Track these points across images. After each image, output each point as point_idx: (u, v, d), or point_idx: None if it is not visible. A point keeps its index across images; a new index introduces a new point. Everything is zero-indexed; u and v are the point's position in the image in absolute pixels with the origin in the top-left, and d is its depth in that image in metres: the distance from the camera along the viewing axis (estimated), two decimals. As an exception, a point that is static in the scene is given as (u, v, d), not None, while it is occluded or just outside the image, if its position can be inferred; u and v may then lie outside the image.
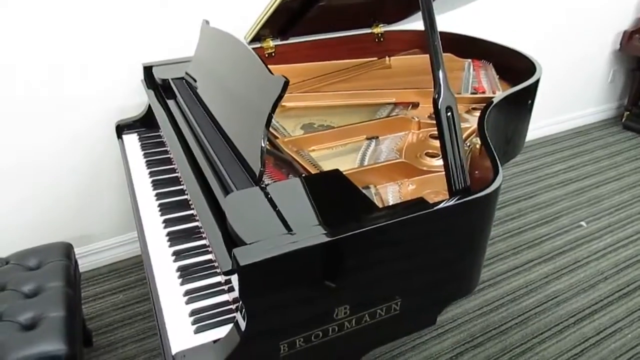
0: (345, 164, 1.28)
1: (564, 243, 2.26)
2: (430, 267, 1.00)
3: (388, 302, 0.97)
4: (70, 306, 1.33)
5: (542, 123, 3.20)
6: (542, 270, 2.09)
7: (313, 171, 1.18)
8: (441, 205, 0.93)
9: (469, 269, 1.07)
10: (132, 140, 1.71)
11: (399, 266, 0.95)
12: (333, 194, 0.98)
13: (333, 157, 1.35)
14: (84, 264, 2.09)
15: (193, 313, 0.96)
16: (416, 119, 1.48)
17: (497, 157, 1.09)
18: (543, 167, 2.91)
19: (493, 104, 1.36)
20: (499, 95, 1.46)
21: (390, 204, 1.14)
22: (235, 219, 0.88)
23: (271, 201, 0.94)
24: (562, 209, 2.50)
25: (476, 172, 1.17)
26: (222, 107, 1.28)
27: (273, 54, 1.96)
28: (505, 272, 2.08)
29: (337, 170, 1.05)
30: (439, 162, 1.27)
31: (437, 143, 1.41)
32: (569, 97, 3.29)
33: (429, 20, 0.99)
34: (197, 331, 0.93)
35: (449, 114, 0.98)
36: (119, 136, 1.77)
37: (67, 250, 1.53)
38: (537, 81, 1.60)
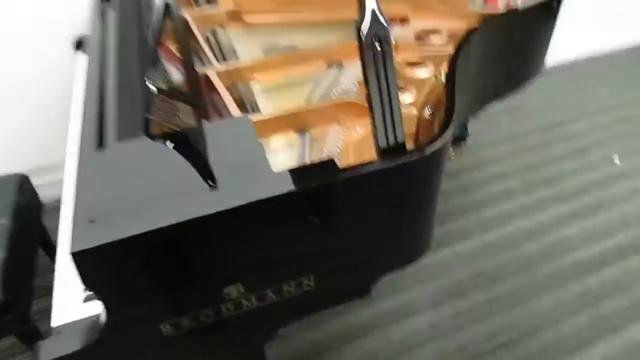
0: (287, 100, 1.08)
1: (588, 181, 1.98)
2: (344, 243, 0.83)
3: (297, 278, 0.82)
4: (13, 246, 1.27)
5: (590, 38, 2.74)
6: (555, 212, 1.86)
7: (235, 113, 0.99)
8: (352, 174, 0.74)
9: (403, 241, 0.89)
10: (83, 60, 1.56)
11: (299, 243, 0.79)
12: (223, 153, 0.80)
13: (276, 91, 1.14)
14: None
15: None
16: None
17: (453, 107, 0.86)
18: (584, 90, 2.53)
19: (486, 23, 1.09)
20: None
21: (325, 155, 0.96)
22: (84, 186, 0.74)
23: (137, 163, 0.78)
24: (595, 141, 2.18)
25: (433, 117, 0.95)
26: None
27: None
28: (512, 213, 1.86)
29: (244, 119, 0.86)
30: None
31: (412, 72, 1.17)
32: (631, 4, 2.76)
33: None
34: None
35: (378, 47, 0.74)
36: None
37: (19, 183, 1.45)
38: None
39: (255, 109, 1.06)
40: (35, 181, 1.50)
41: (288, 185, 0.71)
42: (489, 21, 1.21)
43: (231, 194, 0.71)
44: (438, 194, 0.88)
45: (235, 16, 1.39)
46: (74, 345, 0.76)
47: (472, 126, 2.15)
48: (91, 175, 0.78)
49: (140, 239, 0.67)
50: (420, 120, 1.07)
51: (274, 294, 0.83)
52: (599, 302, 1.55)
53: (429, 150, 0.77)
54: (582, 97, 2.47)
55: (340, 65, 1.20)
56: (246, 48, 1.30)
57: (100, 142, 0.85)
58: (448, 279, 1.64)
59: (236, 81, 1.13)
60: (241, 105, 1.06)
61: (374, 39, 0.74)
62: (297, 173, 0.74)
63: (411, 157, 0.76)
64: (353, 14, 0.74)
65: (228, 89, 1.08)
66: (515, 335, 1.48)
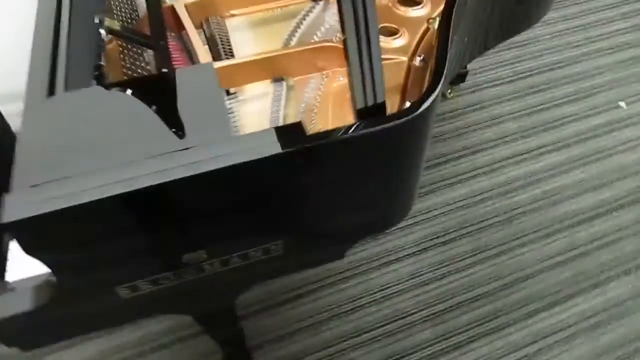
0: (264, 42, 0.97)
1: (590, 128, 1.89)
2: (312, 212, 0.76)
3: (263, 244, 0.77)
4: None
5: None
6: (550, 160, 1.79)
7: (203, 59, 0.88)
8: (322, 141, 0.66)
9: (378, 212, 0.83)
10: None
11: (264, 211, 0.72)
12: (179, 109, 0.71)
13: (254, 28, 1.03)
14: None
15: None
16: (388, -28, 1.09)
17: (444, 63, 0.76)
18: (597, 25, 2.35)
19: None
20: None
21: (302, 107, 0.87)
22: (27, 144, 0.66)
23: (88, 116, 0.69)
24: (603, 83, 2.06)
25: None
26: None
27: None
28: (505, 159, 1.79)
29: (207, 66, 0.76)
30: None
31: (405, 11, 1.05)
32: None
33: None
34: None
35: (355, -6, 0.64)
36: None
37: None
38: None
39: (228, 52, 0.95)
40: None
41: (244, 154, 0.63)
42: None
43: (185, 159, 0.64)
44: (421, 160, 0.81)
45: None
46: (26, 304, 0.73)
47: (472, 63, 2.02)
48: (35, 132, 0.70)
49: (90, 207, 0.61)
50: (410, 67, 0.97)
51: (240, 257, 0.78)
52: (585, 257, 1.53)
53: (409, 115, 0.68)
54: (594, 33, 2.30)
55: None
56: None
57: (51, 92, 0.76)
58: (434, 227, 1.61)
59: (209, 17, 1.01)
60: (213, 46, 0.95)
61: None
62: (258, 138, 0.65)
63: (389, 122, 0.68)
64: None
65: (200, 26, 0.97)
66: (496, 286, 1.47)
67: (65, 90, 0.73)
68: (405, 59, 0.96)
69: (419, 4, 1.09)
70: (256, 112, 0.88)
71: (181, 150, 0.64)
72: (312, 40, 0.98)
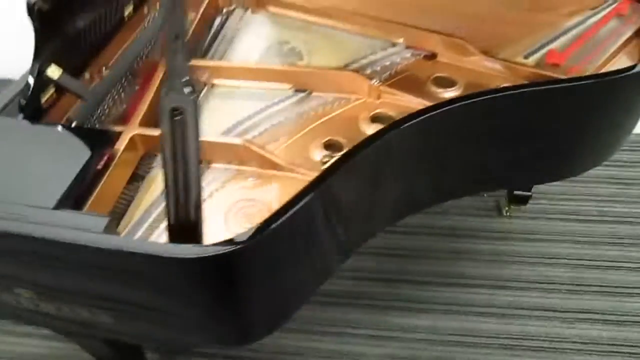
0: (217, 117, 0.99)
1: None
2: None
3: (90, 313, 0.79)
4: None
5: None
6: (583, 331, 1.49)
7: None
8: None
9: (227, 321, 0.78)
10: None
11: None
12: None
13: (220, 100, 1.05)
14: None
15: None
16: (376, 83, 1.02)
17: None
18: None
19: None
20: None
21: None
22: None
23: None
24: None
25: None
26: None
27: None
28: (529, 308, 1.54)
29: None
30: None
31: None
32: None
33: None
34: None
35: (176, 119, 0.62)
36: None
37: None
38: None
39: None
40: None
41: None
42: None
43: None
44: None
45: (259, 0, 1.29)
46: None
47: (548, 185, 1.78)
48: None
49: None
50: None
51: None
52: None
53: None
54: None
55: (308, 92, 1.05)
56: (248, 42, 1.21)
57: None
58: (402, 350, 1.46)
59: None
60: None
61: (172, 111, 0.61)
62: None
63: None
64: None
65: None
66: None
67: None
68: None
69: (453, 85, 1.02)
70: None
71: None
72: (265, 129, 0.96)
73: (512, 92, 0.90)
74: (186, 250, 0.63)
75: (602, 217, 1.80)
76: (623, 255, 1.68)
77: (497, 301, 1.56)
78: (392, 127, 0.80)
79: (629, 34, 1.17)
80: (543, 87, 0.92)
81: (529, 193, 1.71)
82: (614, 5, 1.22)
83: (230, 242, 0.64)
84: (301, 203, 0.68)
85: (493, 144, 0.99)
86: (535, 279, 1.61)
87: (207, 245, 0.65)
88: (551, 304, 1.54)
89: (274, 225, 0.66)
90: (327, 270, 0.88)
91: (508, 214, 1.79)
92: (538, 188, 1.85)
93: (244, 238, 0.64)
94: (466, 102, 0.86)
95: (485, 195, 1.87)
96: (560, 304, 1.54)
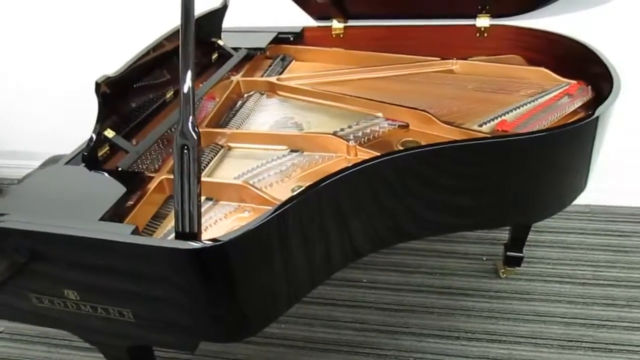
0: (229, 170, 1.28)
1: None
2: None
3: (118, 306, 1.02)
4: None
5: None
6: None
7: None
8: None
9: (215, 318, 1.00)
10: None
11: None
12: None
13: (234, 159, 1.34)
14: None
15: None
16: (352, 143, 1.29)
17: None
18: None
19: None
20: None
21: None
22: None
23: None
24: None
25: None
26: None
27: (341, 35, 1.88)
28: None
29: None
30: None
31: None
32: None
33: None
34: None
35: (185, 152, 0.90)
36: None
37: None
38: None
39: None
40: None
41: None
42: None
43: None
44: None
45: (272, 88, 1.63)
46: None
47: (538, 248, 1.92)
48: (34, 180, 1.13)
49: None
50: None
51: (103, 310, 1.05)
52: None
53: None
54: None
55: (300, 152, 1.33)
56: (261, 117, 1.52)
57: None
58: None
59: (211, 142, 1.37)
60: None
61: (182, 147, 0.90)
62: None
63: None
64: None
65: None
66: None
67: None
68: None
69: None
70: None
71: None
72: (262, 180, 1.23)
73: (453, 145, 1.15)
74: (185, 245, 0.88)
75: (598, 281, 1.89)
76: (617, 315, 1.75)
77: (492, 353, 1.65)
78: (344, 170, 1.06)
79: (574, 107, 1.40)
80: (473, 142, 1.16)
81: (521, 254, 1.85)
82: (565, 88, 1.47)
83: (215, 240, 0.89)
84: (265, 219, 0.93)
85: (436, 190, 1.22)
86: (529, 334, 1.70)
87: (201, 241, 0.90)
88: (543, 359, 1.62)
89: (246, 229, 0.91)
90: (311, 278, 1.10)
91: (505, 275, 1.92)
92: (535, 253, 2.00)
93: (226, 239, 0.89)
94: (407, 153, 1.11)
95: (484, 259, 2.02)
96: (552, 358, 1.62)
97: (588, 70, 1.41)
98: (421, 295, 1.87)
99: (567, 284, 1.88)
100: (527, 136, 1.16)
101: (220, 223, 1.13)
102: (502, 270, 1.91)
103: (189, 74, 0.90)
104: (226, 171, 1.29)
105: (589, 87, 1.42)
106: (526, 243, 1.80)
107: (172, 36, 1.39)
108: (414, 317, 1.79)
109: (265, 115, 1.53)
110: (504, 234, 2.05)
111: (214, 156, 1.34)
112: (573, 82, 1.46)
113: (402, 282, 1.93)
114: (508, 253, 1.84)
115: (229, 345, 1.67)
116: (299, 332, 1.75)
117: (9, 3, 2.26)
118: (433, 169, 1.17)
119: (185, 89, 0.90)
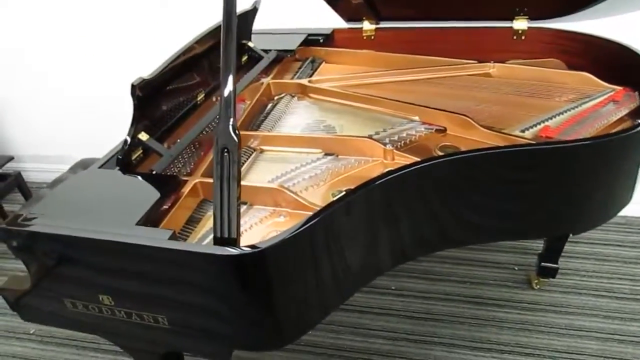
0: (262, 173, 1.25)
1: None
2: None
3: (153, 312, 1.00)
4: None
5: None
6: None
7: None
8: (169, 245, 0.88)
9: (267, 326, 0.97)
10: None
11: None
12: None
13: (266, 162, 1.31)
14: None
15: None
16: (389, 147, 1.25)
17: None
18: None
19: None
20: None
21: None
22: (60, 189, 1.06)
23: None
24: None
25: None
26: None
27: (372, 37, 1.85)
28: None
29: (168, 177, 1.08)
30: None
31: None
32: None
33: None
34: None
35: (225, 155, 0.88)
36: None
37: None
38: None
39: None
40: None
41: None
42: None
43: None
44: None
45: (303, 90, 1.61)
46: None
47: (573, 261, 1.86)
48: (68, 184, 1.11)
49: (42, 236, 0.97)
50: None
51: (137, 316, 1.03)
52: None
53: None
54: None
55: (335, 155, 1.30)
56: (293, 120, 1.49)
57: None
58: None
59: (243, 145, 1.34)
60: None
61: (223, 150, 0.87)
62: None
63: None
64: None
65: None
66: None
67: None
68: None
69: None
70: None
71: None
72: (299, 184, 1.20)
73: (492, 151, 1.11)
74: (224, 251, 0.85)
75: (636, 295, 1.82)
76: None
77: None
78: (387, 174, 1.02)
79: (620, 115, 1.35)
80: (521, 148, 1.11)
81: (557, 265, 1.78)
82: (610, 94, 1.41)
83: (253, 246, 0.86)
84: (307, 225, 0.90)
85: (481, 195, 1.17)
86: (564, 349, 1.64)
87: (240, 247, 0.87)
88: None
89: (284, 237, 0.87)
90: (348, 287, 1.06)
91: (538, 287, 1.86)
92: (569, 264, 1.93)
93: (265, 245, 0.86)
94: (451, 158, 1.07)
95: (516, 268, 1.96)
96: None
97: (636, 76, 1.35)
98: (451, 304, 1.82)
99: (603, 298, 1.81)
100: (578, 143, 1.11)
101: (255, 228, 1.10)
102: (536, 281, 1.85)
103: (230, 78, 0.88)
104: (259, 175, 1.27)
105: (637, 93, 1.36)
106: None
107: (203, 39, 1.37)
108: (444, 327, 1.74)
109: (297, 118, 1.50)
110: (535, 244, 2.00)
111: (246, 159, 1.31)
112: (619, 88, 1.40)
113: (431, 290, 1.88)
114: (542, 263, 1.77)
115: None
116: (327, 339, 1.72)
117: (49, 12, 2.27)
118: (483, 174, 1.13)
119: (226, 93, 0.88)
